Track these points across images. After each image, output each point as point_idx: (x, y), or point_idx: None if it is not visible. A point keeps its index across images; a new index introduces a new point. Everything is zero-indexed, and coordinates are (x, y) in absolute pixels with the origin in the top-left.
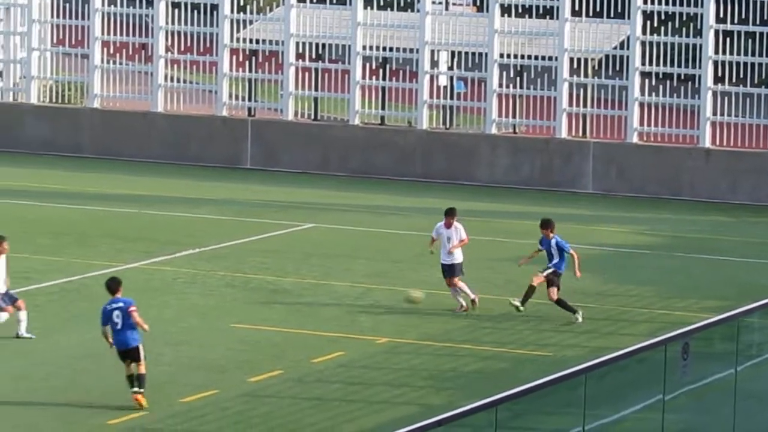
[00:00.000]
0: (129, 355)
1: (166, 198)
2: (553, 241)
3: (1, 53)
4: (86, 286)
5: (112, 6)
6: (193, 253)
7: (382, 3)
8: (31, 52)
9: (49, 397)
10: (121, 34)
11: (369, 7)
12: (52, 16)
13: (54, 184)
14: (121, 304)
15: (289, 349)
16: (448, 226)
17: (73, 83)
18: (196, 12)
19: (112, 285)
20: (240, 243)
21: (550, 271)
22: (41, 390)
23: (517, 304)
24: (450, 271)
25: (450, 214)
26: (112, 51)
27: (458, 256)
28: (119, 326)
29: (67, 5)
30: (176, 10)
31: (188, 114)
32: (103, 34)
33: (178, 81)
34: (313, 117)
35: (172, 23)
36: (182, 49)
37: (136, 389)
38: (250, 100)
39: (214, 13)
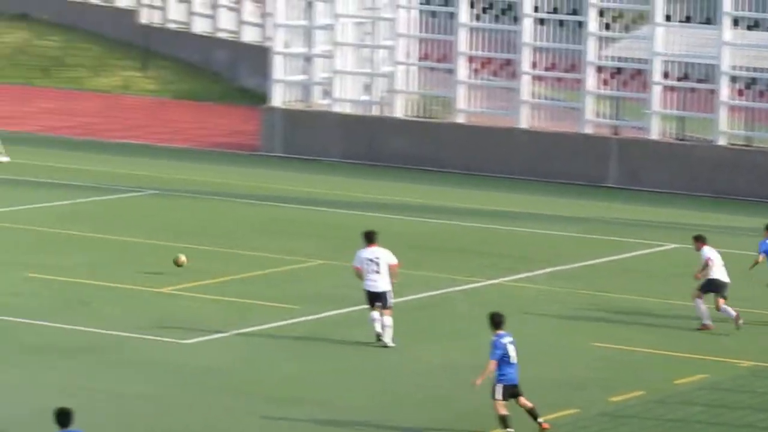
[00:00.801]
0: (516, 390)
1: (527, 214)
2: None
3: (367, 67)
4: (448, 300)
5: (478, 21)
6: (555, 271)
7: (751, 23)
8: (397, 66)
9: (410, 411)
10: (487, 50)
11: (736, 27)
12: (417, 31)
13: (416, 198)
14: (512, 338)
15: (650, 369)
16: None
17: (437, 98)
18: (561, 29)
19: (499, 319)
20: (602, 262)
21: None
22: (401, 403)
23: None
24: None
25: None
26: (476, 66)
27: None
28: (515, 360)
29: (433, 20)
30: (542, 27)
31: (551, 131)
32: (468, 49)
33: (542, 97)
34: (678, 136)
35: (538, 39)
36: (547, 65)
37: (541, 420)
38: (614, 118)
39: (580, 30)
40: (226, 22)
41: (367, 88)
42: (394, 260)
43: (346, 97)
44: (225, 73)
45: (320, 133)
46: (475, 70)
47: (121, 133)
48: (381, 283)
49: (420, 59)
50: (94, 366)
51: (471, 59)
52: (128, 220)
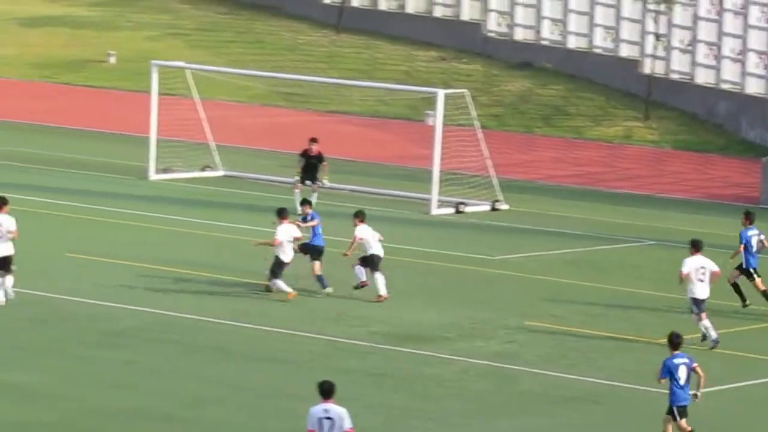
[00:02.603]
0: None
1: None
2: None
3: None
4: None
5: None
6: None
7: None
8: None
9: None
10: None
11: None
12: None
13: None
14: (686, 360)
15: None
16: None
17: None
18: None
19: (677, 340)
20: None
21: None
22: None
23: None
24: None
25: None
26: None
27: None
28: (683, 382)
29: None
30: None
31: None
32: None
33: None
34: None
35: None
36: None
37: None
38: None
39: None
40: (729, 73)
41: None
42: (716, 268)
43: None
44: (727, 124)
45: None
46: None
47: (621, 183)
48: (706, 290)
49: None
50: (591, 416)
51: None
52: (627, 270)
